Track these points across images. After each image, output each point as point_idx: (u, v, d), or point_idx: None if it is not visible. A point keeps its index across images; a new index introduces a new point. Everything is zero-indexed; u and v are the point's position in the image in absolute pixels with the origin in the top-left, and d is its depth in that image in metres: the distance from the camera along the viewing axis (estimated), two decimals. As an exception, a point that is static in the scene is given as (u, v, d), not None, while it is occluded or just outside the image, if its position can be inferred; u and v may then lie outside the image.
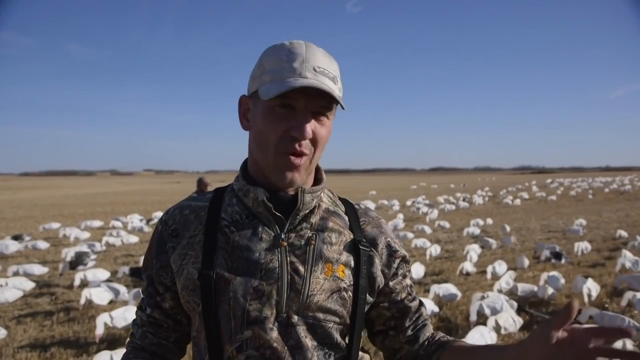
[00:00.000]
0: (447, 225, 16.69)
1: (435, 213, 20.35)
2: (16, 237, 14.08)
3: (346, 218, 1.18)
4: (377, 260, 1.16)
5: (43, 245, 12.67)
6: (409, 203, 27.66)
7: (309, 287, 1.06)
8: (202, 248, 1.09)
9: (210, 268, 1.06)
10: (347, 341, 1.13)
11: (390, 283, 1.19)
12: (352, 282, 1.11)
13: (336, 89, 1.06)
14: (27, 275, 8.76)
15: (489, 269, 8.36)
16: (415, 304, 1.22)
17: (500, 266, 8.46)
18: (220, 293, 1.05)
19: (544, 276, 7.45)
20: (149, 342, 1.18)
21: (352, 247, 1.14)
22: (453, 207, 24.85)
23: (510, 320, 5.45)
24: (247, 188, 1.11)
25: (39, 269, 9.09)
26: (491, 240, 11.96)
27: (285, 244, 1.08)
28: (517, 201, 27.54)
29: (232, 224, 1.10)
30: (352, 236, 1.15)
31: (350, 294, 1.11)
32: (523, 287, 7.06)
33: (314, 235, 1.11)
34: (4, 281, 7.55)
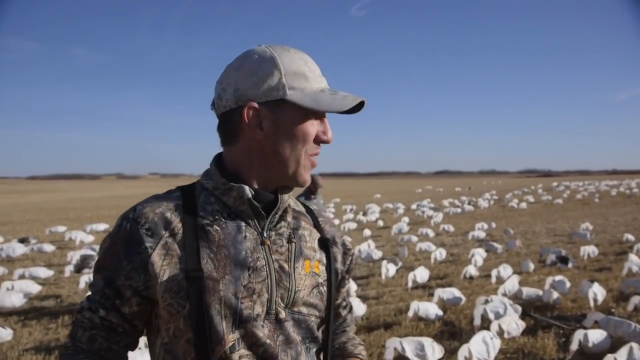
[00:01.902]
0: (451, 228, 16.65)
1: (440, 216, 20.29)
2: (22, 240, 14.17)
3: (309, 217, 1.26)
4: (339, 258, 1.26)
5: (49, 248, 12.79)
6: (413, 206, 27.56)
7: (295, 283, 1.12)
8: (184, 247, 1.06)
9: (198, 268, 1.05)
10: (321, 334, 1.21)
11: (342, 283, 1.28)
12: (326, 278, 1.20)
13: None
14: (33, 278, 8.80)
15: (494, 272, 8.33)
16: (345, 312, 1.34)
17: (505, 270, 8.43)
18: (210, 293, 1.04)
19: (550, 280, 7.41)
20: (98, 346, 1.10)
21: (322, 245, 1.22)
22: (458, 210, 24.78)
23: (514, 324, 5.44)
24: (230, 186, 1.11)
25: (44, 272, 9.14)
26: (496, 244, 11.93)
27: (269, 242, 1.12)
28: (523, 204, 27.41)
29: (214, 222, 1.10)
30: (319, 234, 1.24)
31: (325, 289, 1.19)
32: (528, 291, 7.03)
33: (293, 233, 1.16)
34: (10, 284, 7.61)
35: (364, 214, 22.60)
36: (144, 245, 1.06)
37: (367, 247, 11.52)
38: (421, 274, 8.40)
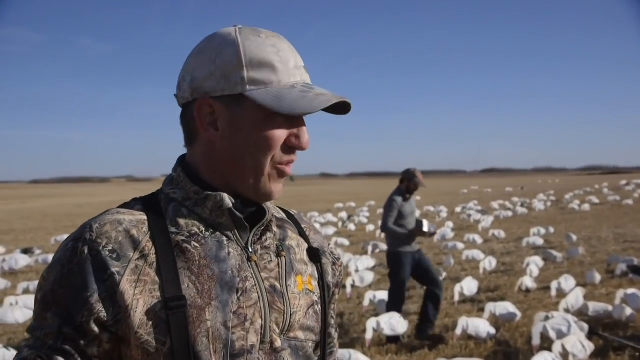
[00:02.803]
0: (502, 234, 16.46)
1: (489, 221, 20.07)
2: (26, 251, 14.54)
3: (293, 224, 1.22)
4: (329, 270, 1.22)
5: (55, 259, 13.06)
6: (458, 209, 27.35)
7: (289, 304, 1.07)
8: (159, 271, 0.98)
9: (179, 295, 0.97)
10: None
11: (332, 299, 1.24)
12: (319, 295, 1.16)
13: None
14: (38, 292, 9.01)
15: (554, 284, 8.19)
16: (334, 331, 1.28)
17: (567, 282, 8.27)
18: (195, 324, 0.96)
19: (620, 294, 7.24)
20: None
21: (312, 256, 1.18)
22: (510, 213, 24.47)
23: (579, 345, 5.31)
24: (205, 195, 1.04)
25: (50, 286, 9.33)
26: (555, 252, 11.74)
27: (256, 258, 1.06)
28: (586, 206, 26.87)
29: (192, 239, 1.02)
30: (306, 244, 1.19)
31: (320, 307, 1.15)
32: (595, 307, 6.88)
33: (281, 245, 1.12)
34: (14, 299, 7.78)
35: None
36: (110, 270, 0.95)
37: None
38: (469, 286, 8.32)
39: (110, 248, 0.97)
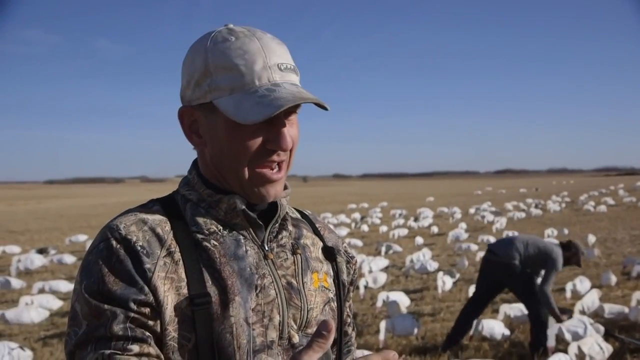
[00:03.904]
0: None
1: (503, 222, 19.92)
2: (41, 251, 14.67)
3: (307, 223, 1.23)
4: (344, 268, 1.24)
5: (70, 259, 13.15)
6: (472, 211, 27.19)
7: (306, 300, 1.08)
8: (184, 269, 0.99)
9: (204, 292, 0.98)
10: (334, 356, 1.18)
11: (347, 297, 1.25)
12: (335, 292, 1.17)
13: (305, 90, 1.02)
14: (54, 292, 9.05)
15: (569, 286, 8.14)
16: (350, 329, 1.29)
17: (582, 283, 8.21)
18: (219, 321, 0.98)
19: (637, 295, 7.14)
20: None
21: (327, 254, 1.19)
22: (523, 214, 24.28)
23: (597, 347, 5.25)
24: (219, 198, 1.06)
25: (65, 286, 9.39)
26: (570, 253, 11.59)
27: (272, 255, 1.07)
28: (601, 207, 26.60)
29: (211, 237, 1.03)
30: (321, 243, 1.21)
31: (335, 304, 1.17)
32: (611, 308, 6.83)
33: (296, 244, 1.13)
34: (29, 299, 7.85)
35: (416, 220, 22.41)
36: (145, 266, 0.96)
37: (421, 257, 11.42)
38: (483, 288, 8.24)
39: (140, 244, 0.97)
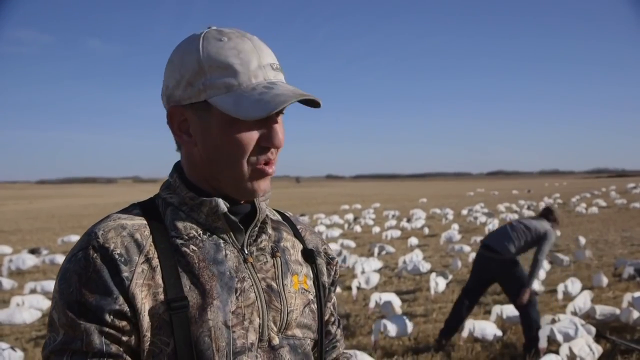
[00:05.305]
0: (509, 237, 16.33)
1: (495, 223, 19.96)
2: (33, 251, 14.61)
3: (288, 225, 1.25)
4: (324, 269, 1.26)
5: (62, 259, 13.04)
6: (464, 212, 27.23)
7: (286, 303, 1.10)
8: (162, 274, 1.00)
9: (181, 296, 0.99)
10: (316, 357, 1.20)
11: (328, 297, 1.28)
12: (315, 294, 1.19)
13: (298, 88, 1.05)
14: (45, 292, 8.98)
15: (560, 287, 8.15)
16: (334, 328, 1.32)
17: (574, 285, 8.23)
18: (197, 324, 0.99)
19: (628, 297, 7.18)
20: None
21: (306, 257, 1.21)
22: (516, 216, 24.33)
23: (587, 348, 5.28)
24: (200, 201, 1.07)
25: (57, 286, 9.35)
26: (562, 255, 11.65)
27: (252, 259, 1.09)
28: (593, 209, 26.70)
29: (190, 242, 1.05)
30: (301, 245, 1.23)
31: (315, 306, 1.18)
32: (602, 310, 6.85)
33: (275, 246, 1.15)
34: (20, 299, 7.81)
35: (408, 220, 22.45)
36: (122, 274, 0.97)
37: (414, 258, 11.43)
38: (476, 289, 8.26)
39: (118, 252, 0.98)
